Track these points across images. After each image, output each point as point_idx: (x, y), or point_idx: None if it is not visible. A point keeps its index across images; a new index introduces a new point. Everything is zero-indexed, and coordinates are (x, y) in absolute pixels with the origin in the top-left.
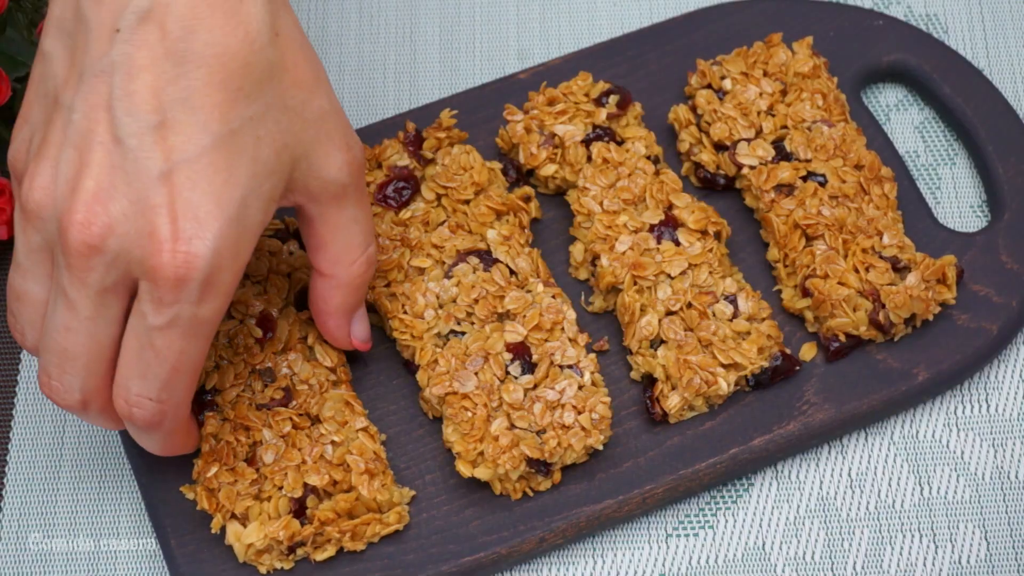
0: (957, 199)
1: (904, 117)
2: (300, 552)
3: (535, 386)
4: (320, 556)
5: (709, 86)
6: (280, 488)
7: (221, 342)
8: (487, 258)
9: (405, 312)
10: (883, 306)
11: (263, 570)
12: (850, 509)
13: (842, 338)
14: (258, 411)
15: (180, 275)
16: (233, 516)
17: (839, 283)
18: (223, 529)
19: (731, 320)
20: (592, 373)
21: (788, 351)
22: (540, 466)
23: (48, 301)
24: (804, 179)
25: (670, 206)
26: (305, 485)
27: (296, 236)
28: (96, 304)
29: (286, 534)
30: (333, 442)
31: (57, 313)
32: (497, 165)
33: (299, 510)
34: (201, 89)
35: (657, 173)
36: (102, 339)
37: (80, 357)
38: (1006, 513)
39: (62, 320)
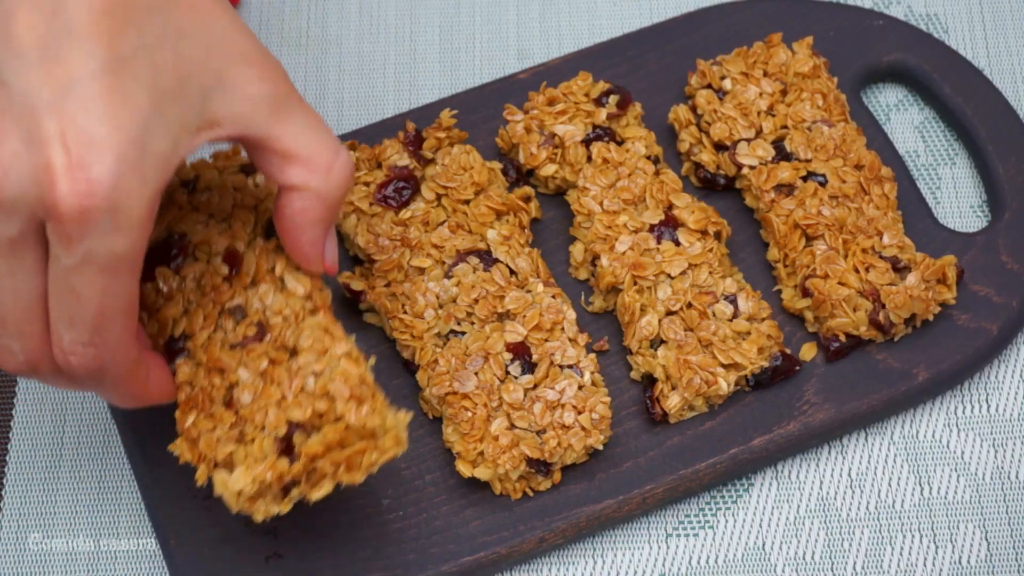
0: (957, 199)
1: (904, 117)
2: (295, 493)
3: (535, 386)
4: (317, 494)
5: (709, 86)
6: (263, 428)
7: (188, 286)
8: (487, 258)
9: (405, 312)
10: (883, 306)
11: (259, 517)
12: (850, 509)
13: (842, 338)
14: (232, 351)
15: (83, 204)
16: (217, 465)
17: (839, 283)
18: (211, 484)
19: (731, 320)
20: (592, 373)
21: (788, 351)
22: (540, 466)
23: None
24: (804, 179)
25: (670, 206)
26: (289, 422)
27: None
28: (8, 260)
29: (274, 475)
30: (314, 372)
31: None
32: (497, 165)
33: (287, 448)
34: (83, 19)
35: (657, 173)
36: (26, 295)
37: (8, 317)
38: (1006, 513)
39: None
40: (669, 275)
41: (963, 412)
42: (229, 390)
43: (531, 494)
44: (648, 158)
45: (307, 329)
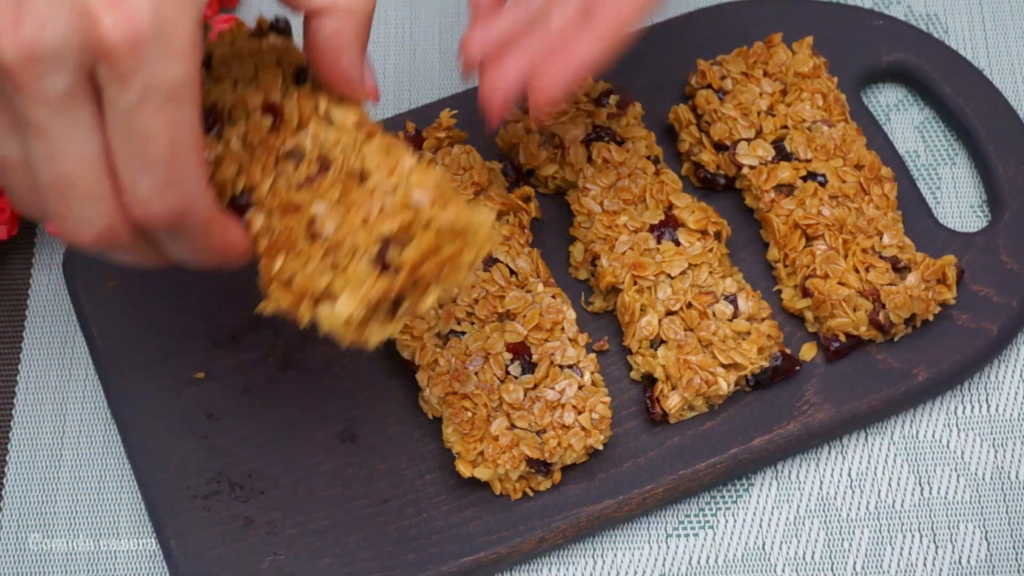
0: (957, 199)
1: (904, 117)
2: (404, 308)
3: (535, 386)
4: (425, 304)
5: (709, 86)
6: (354, 253)
7: (235, 147)
8: (487, 258)
9: None
10: (883, 306)
11: (374, 342)
12: (850, 509)
13: (842, 338)
14: (300, 191)
15: (130, 35)
16: (318, 301)
17: (839, 283)
18: (313, 327)
19: (731, 320)
20: (592, 373)
21: (788, 351)
22: (540, 466)
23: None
24: (804, 179)
25: (670, 206)
26: (380, 238)
27: (272, 29)
28: (65, 117)
29: (379, 292)
30: (391, 187)
31: (34, 150)
32: (497, 165)
33: (383, 268)
34: None
35: (657, 173)
36: (89, 153)
37: (77, 181)
38: (1006, 513)
39: (41, 153)
40: (669, 275)
41: (963, 412)
42: (309, 226)
43: (531, 494)
44: (648, 158)
45: (369, 152)
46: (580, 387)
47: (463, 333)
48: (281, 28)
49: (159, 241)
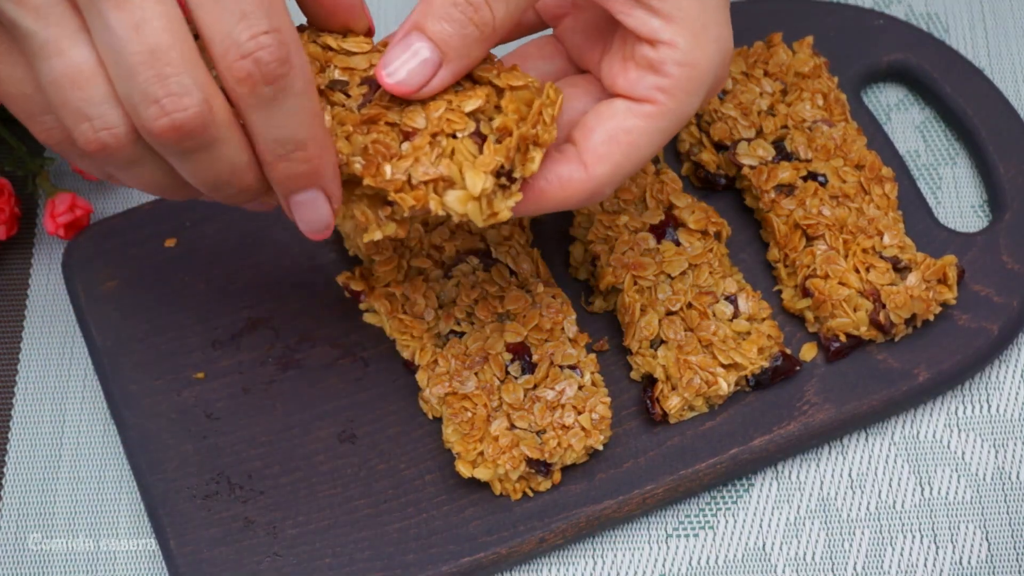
0: (958, 199)
1: (905, 117)
2: (517, 174)
3: (535, 386)
4: (532, 166)
5: None
6: (453, 135)
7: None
8: (487, 258)
9: (405, 312)
10: (884, 306)
11: (504, 214)
12: (850, 510)
13: (842, 338)
14: (363, 110)
15: None
16: (437, 190)
17: (839, 283)
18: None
19: (731, 320)
20: (592, 373)
21: (788, 351)
22: (540, 466)
23: (99, 61)
24: (804, 179)
25: (670, 206)
26: (470, 114)
27: None
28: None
29: (497, 158)
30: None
31: (115, 32)
32: None
33: (481, 142)
34: None
35: (657, 173)
36: (177, 18)
37: (170, 46)
38: (1007, 514)
39: (125, 29)
40: (669, 275)
41: (964, 412)
42: (398, 130)
43: (531, 494)
44: None
45: None
46: (580, 387)
47: (463, 333)
48: None
49: (266, 93)
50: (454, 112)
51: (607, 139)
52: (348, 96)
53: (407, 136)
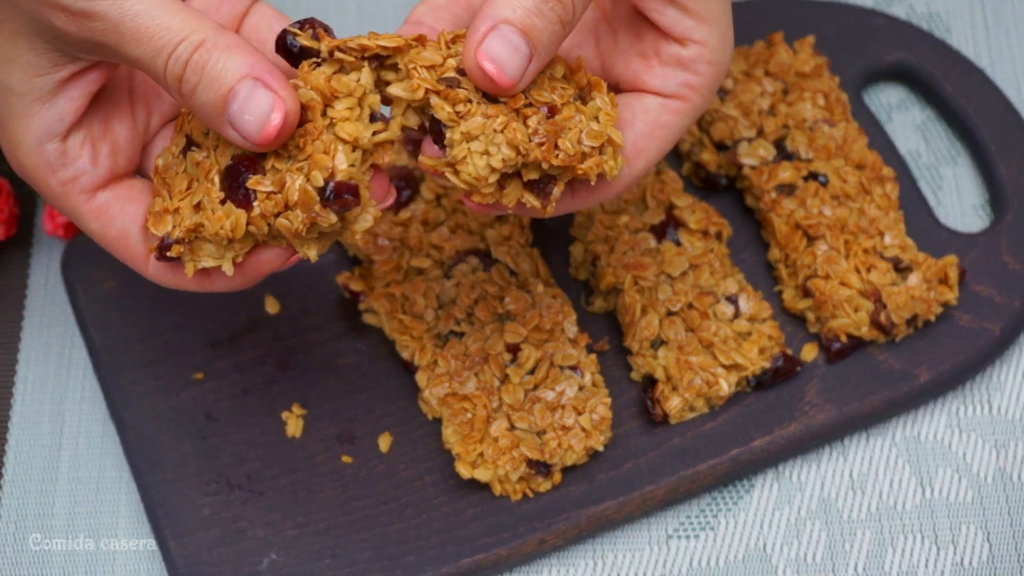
0: (959, 199)
1: (906, 117)
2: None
3: (535, 387)
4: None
5: None
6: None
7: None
8: (487, 258)
9: (405, 312)
10: (884, 307)
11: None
12: (851, 510)
13: (843, 339)
14: (442, 83)
15: None
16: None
17: (840, 283)
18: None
19: (732, 321)
20: (592, 374)
21: (789, 352)
22: (540, 467)
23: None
24: (805, 179)
25: (671, 206)
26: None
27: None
28: None
29: (613, 118)
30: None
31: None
32: None
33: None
34: None
35: (658, 173)
36: None
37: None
38: (1008, 515)
39: None
40: (670, 275)
41: (965, 413)
42: (535, 110)
43: (531, 495)
44: None
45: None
46: (580, 388)
47: (463, 334)
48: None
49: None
50: (557, 83)
51: (646, 134)
52: (464, 89)
53: (552, 112)
